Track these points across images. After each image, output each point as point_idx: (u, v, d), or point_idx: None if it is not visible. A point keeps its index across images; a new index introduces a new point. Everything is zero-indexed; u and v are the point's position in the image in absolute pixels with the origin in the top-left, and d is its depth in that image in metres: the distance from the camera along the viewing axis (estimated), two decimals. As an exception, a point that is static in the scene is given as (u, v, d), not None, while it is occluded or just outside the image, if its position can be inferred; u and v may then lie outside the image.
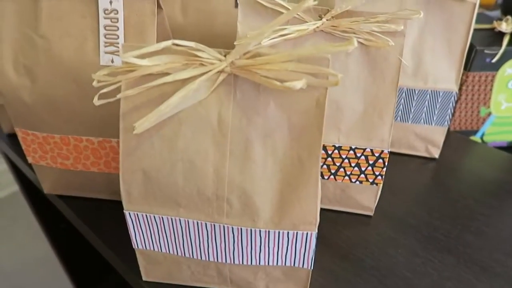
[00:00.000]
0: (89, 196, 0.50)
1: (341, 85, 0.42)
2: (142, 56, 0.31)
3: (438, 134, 0.55)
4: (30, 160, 0.47)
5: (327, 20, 0.40)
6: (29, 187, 0.82)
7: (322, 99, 0.32)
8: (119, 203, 0.49)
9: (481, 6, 1.14)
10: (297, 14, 0.40)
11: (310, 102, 0.32)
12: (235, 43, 0.41)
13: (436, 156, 0.56)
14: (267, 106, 0.32)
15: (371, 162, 0.43)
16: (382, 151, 0.43)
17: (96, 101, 0.31)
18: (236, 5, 0.63)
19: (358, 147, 0.43)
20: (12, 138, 0.64)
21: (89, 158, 0.46)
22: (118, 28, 0.39)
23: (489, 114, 0.61)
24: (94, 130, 0.43)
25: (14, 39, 0.41)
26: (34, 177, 0.56)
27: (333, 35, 0.40)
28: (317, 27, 0.40)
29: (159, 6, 0.41)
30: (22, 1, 0.40)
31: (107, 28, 0.39)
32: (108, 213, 0.49)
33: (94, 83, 0.32)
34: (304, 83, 0.29)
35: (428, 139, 0.55)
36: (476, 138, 0.63)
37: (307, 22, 0.40)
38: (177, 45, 0.31)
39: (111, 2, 0.39)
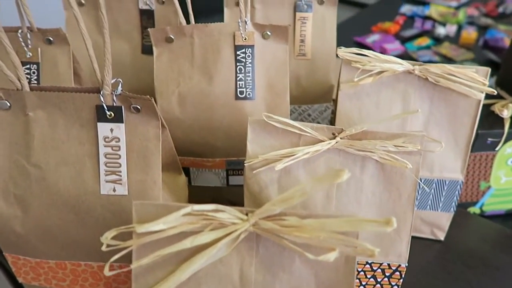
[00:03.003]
0: (86, 310, 0.47)
1: (355, 201, 0.40)
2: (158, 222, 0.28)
3: (443, 219, 0.54)
4: (20, 280, 0.44)
5: (341, 139, 0.38)
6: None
7: (352, 256, 0.30)
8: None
9: (461, 46, 1.16)
10: (309, 133, 0.38)
11: (338, 259, 0.30)
12: (245, 163, 0.39)
13: (442, 238, 0.55)
14: (293, 262, 0.30)
15: (387, 274, 0.42)
16: (399, 265, 0.41)
17: (107, 272, 0.29)
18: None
19: (374, 261, 0.41)
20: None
21: (88, 280, 0.42)
22: (120, 156, 0.36)
23: (489, 187, 0.61)
24: (94, 255, 0.40)
25: (2, 167, 0.37)
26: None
27: (347, 152, 0.39)
28: (332, 145, 0.38)
29: (162, 125, 0.38)
30: (10, 127, 0.37)
31: (107, 156, 0.36)
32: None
33: (103, 248, 0.29)
34: (337, 254, 0.27)
35: (433, 224, 0.54)
36: (476, 208, 0.63)
37: (320, 140, 0.39)
38: (196, 210, 0.28)
39: (112, 130, 0.36)
